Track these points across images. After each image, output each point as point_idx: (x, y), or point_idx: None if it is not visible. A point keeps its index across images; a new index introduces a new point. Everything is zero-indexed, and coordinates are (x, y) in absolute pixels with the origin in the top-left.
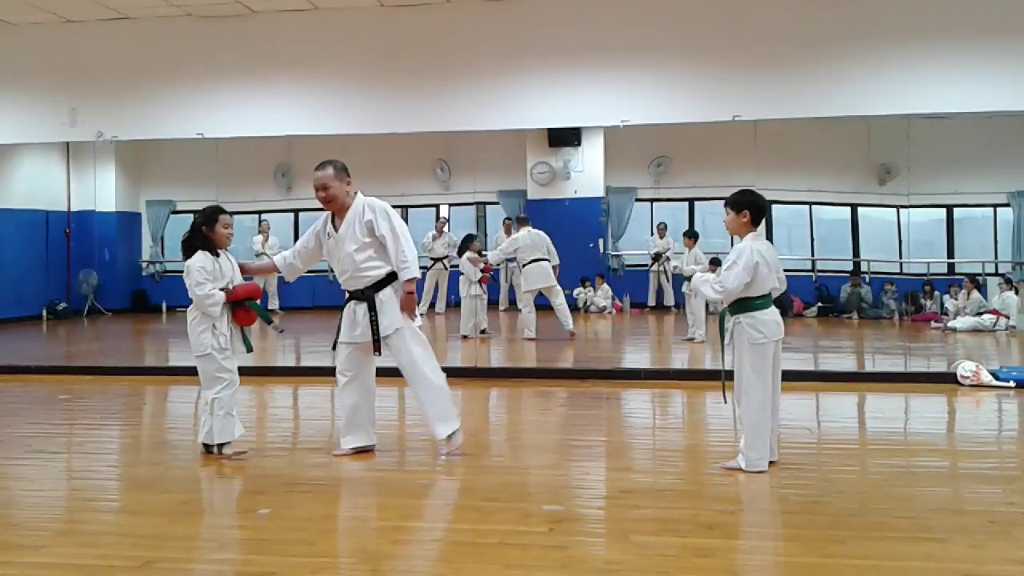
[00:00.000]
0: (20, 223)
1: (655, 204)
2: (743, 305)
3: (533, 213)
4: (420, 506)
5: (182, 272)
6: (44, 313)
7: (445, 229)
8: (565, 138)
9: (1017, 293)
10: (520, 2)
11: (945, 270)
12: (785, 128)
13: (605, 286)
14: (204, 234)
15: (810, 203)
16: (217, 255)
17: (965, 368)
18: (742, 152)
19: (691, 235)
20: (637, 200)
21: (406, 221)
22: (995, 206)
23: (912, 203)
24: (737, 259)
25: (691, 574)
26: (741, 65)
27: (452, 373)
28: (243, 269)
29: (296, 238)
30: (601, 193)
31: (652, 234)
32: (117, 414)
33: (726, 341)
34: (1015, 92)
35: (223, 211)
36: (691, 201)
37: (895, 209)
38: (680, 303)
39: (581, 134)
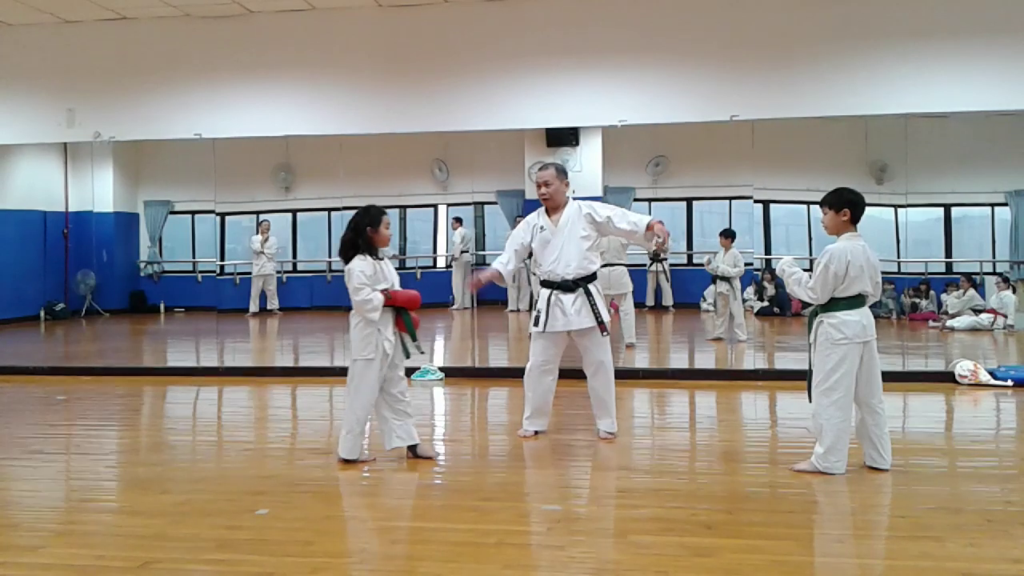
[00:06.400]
0: (18, 224)
1: (653, 204)
2: (827, 305)
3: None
4: (419, 506)
5: (180, 272)
6: (42, 314)
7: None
8: (563, 138)
9: (1015, 292)
10: (518, 2)
11: (943, 269)
12: (783, 128)
13: None
14: (368, 235)
15: (808, 203)
16: (378, 257)
17: (963, 367)
18: (740, 152)
19: (728, 235)
20: (635, 200)
21: (404, 221)
22: (993, 205)
23: (910, 202)
24: (828, 263)
25: (690, 574)
26: (739, 65)
27: (452, 373)
28: (475, 282)
29: (295, 238)
30: (599, 193)
31: None
32: (115, 415)
33: (811, 340)
34: (1013, 91)
35: (383, 210)
36: (689, 201)
37: (893, 208)
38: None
39: (579, 134)
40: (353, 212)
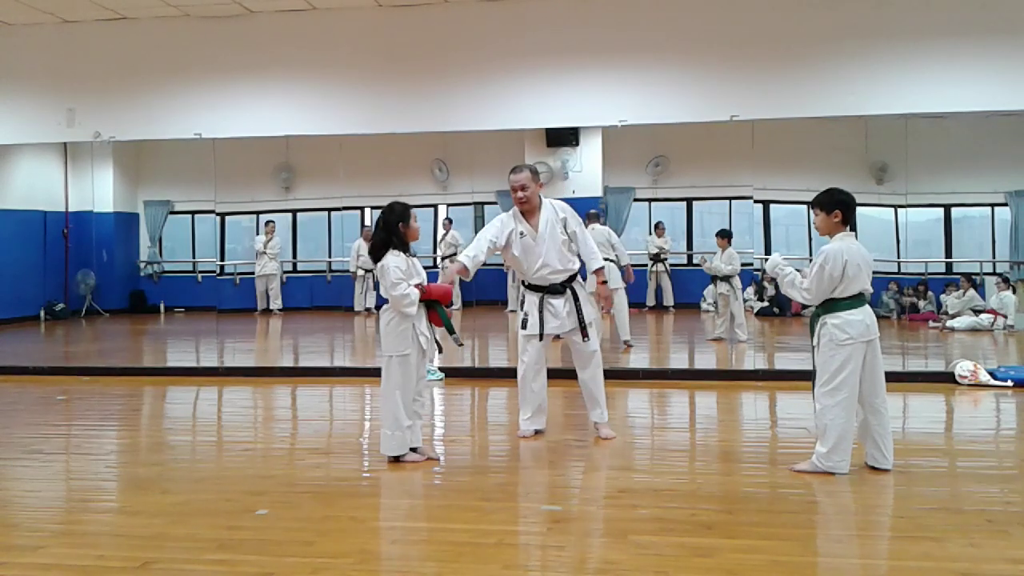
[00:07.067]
0: (18, 223)
1: (653, 204)
2: (830, 305)
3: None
4: (418, 506)
5: (180, 272)
6: (42, 314)
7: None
8: (563, 138)
9: (1015, 292)
10: (518, 2)
11: (943, 269)
12: (783, 128)
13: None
14: (400, 232)
15: (808, 203)
16: (410, 253)
17: (963, 368)
18: (740, 152)
19: (724, 235)
20: (635, 200)
21: None
22: (993, 205)
23: (910, 203)
24: (824, 263)
25: (689, 574)
26: (739, 65)
27: (452, 373)
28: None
29: (295, 238)
30: (599, 193)
31: (650, 234)
32: (115, 415)
33: (813, 342)
34: (1013, 92)
35: (408, 205)
36: (689, 201)
37: (893, 208)
38: (701, 301)
39: (579, 134)
40: (353, 212)
